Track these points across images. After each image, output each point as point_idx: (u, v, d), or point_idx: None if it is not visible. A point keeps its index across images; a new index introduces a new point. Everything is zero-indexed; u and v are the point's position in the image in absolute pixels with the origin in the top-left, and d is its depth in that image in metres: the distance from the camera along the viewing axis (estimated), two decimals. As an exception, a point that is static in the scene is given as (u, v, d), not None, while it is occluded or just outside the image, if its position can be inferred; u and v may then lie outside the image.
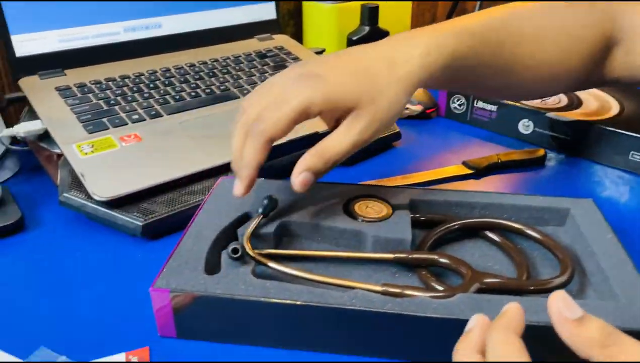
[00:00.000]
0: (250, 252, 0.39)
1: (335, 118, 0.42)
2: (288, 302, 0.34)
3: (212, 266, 0.39)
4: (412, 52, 0.41)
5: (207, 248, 0.40)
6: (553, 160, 0.63)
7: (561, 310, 0.25)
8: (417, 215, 0.45)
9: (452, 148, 0.67)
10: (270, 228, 0.42)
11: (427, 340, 0.34)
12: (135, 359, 0.35)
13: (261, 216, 0.42)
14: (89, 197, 0.48)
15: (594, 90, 0.72)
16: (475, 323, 0.27)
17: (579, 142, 0.63)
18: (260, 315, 0.35)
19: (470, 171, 0.59)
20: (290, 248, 0.44)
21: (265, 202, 0.43)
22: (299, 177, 0.39)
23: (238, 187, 0.41)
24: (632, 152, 0.58)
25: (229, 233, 0.42)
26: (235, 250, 0.38)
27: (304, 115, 0.38)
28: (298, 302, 0.34)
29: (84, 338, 0.37)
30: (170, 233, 0.48)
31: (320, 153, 0.40)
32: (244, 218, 0.44)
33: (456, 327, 0.32)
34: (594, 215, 0.43)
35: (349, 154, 0.40)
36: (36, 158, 0.60)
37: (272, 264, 0.38)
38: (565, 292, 0.26)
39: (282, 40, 0.81)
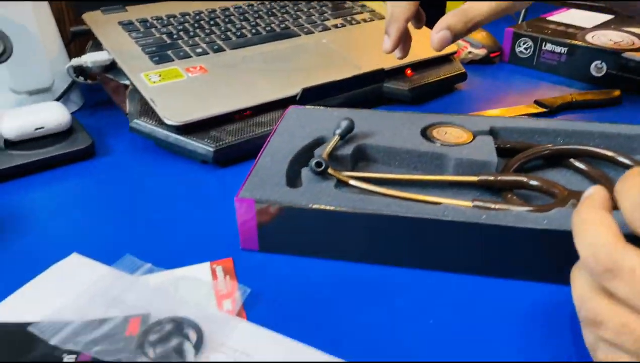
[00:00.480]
0: (331, 170, 0.37)
1: None
2: (377, 212, 0.33)
3: (293, 181, 0.38)
4: None
5: (286, 166, 0.39)
6: (629, 103, 0.60)
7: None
8: (498, 143, 0.43)
9: (520, 90, 0.64)
10: (347, 150, 0.41)
11: (524, 255, 0.33)
12: (219, 269, 0.35)
13: (338, 138, 0.41)
14: (159, 123, 0.48)
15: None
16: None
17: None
18: (347, 227, 0.34)
19: (543, 110, 0.57)
20: (367, 172, 0.43)
21: (343, 123, 0.42)
22: (439, 34, 0.39)
23: (387, 42, 0.42)
24: None
25: (305, 154, 0.41)
26: (318, 164, 0.37)
27: None
28: (388, 213, 0.33)
29: (167, 249, 0.37)
30: (240, 162, 0.48)
31: (463, 11, 0.39)
32: (319, 142, 0.43)
33: (558, 239, 0.31)
34: None
35: (491, 16, 0.39)
36: (99, 94, 0.61)
37: (354, 182, 0.37)
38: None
39: (337, -16, 0.79)
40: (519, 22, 0.82)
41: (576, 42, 0.65)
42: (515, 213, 0.33)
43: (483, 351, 0.29)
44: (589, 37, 0.67)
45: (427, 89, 0.61)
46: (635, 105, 0.59)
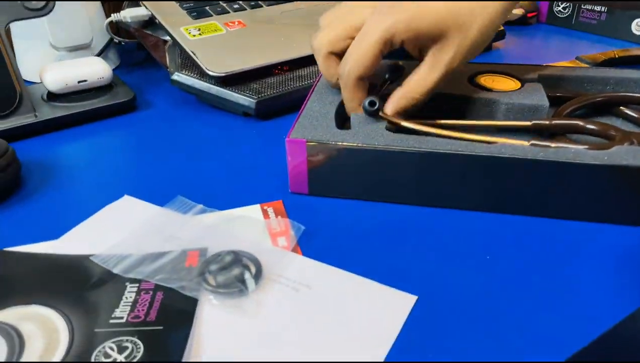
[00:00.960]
0: (382, 113, 0.37)
1: (419, 47, 0.38)
2: (432, 150, 0.33)
3: (342, 124, 0.38)
4: None
5: (334, 109, 0.39)
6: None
7: None
8: (547, 92, 0.43)
9: (561, 48, 0.63)
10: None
11: (585, 193, 0.32)
12: (270, 210, 0.35)
13: (388, 82, 0.41)
14: (201, 76, 0.48)
15: None
16: None
17: None
18: (400, 167, 0.34)
19: (585, 66, 0.55)
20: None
21: (393, 67, 0.41)
22: (390, 119, 0.37)
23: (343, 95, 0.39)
24: None
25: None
26: (372, 103, 0.36)
27: (388, 46, 0.36)
28: (442, 150, 0.33)
29: (216, 193, 0.37)
30: (281, 115, 0.48)
31: (407, 94, 0.37)
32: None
33: (619, 175, 0.30)
34: None
35: (436, 88, 0.37)
36: (135, 54, 0.61)
37: (406, 123, 0.37)
38: None
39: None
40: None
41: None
42: (574, 151, 0.32)
43: (556, 285, 0.29)
44: None
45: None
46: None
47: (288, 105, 0.47)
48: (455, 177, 0.34)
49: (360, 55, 0.36)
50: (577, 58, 0.57)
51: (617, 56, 0.56)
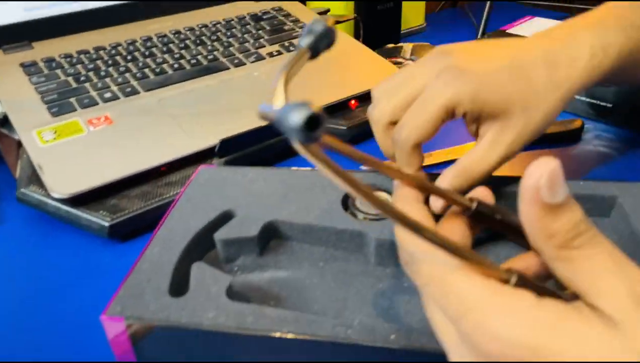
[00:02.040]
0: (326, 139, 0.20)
1: (478, 123, 0.35)
2: (269, 334, 0.28)
3: (179, 283, 0.32)
4: (574, 53, 0.35)
5: (175, 260, 0.33)
6: (592, 132, 0.54)
7: (540, 187, 0.20)
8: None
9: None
10: (253, 230, 0.35)
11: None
12: (87, 399, 0.29)
13: (307, 53, 0.26)
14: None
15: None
16: None
17: (622, 109, 0.54)
18: (234, 349, 0.29)
19: (495, 149, 0.51)
20: (279, 253, 0.37)
21: (315, 28, 0.25)
22: (441, 201, 0.32)
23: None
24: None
25: (204, 239, 0.35)
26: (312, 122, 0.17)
27: (450, 115, 0.33)
28: (281, 335, 0.28)
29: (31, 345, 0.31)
30: (145, 232, 0.42)
31: (464, 173, 0.34)
32: (224, 218, 0.37)
33: None
34: None
35: (495, 170, 0.34)
36: None
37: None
38: (558, 165, 0.20)
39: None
40: (478, 36, 0.76)
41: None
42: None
43: None
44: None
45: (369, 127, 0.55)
46: (599, 136, 0.54)
47: (153, 220, 0.42)
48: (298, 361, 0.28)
49: (422, 121, 0.33)
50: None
51: (529, 135, 0.52)
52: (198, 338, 0.29)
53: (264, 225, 0.36)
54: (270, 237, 0.37)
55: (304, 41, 0.25)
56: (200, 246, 0.35)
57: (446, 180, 0.34)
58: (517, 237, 0.25)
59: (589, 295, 0.20)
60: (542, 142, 0.52)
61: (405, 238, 0.24)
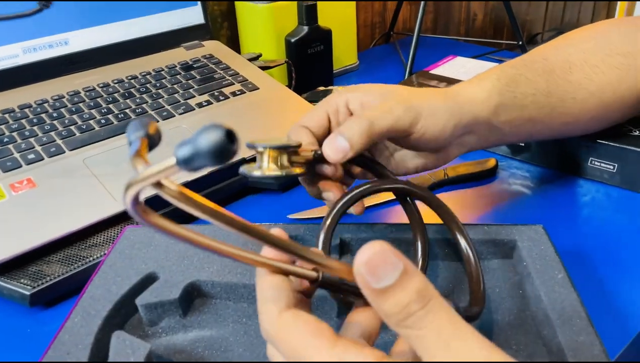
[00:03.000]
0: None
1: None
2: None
3: (98, 355, 0.32)
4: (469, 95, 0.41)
5: (96, 330, 0.33)
6: (507, 170, 0.58)
7: (362, 274, 0.21)
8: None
9: (399, 161, 0.61)
10: (175, 293, 0.36)
11: None
12: None
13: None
14: (-32, 262, 0.41)
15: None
16: None
17: (532, 147, 0.58)
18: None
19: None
20: (203, 312, 0.38)
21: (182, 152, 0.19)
22: (336, 143, 0.35)
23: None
24: (591, 158, 0.53)
25: (127, 304, 0.36)
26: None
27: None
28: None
29: None
30: (69, 297, 0.42)
31: (368, 121, 0.35)
32: (147, 281, 0.37)
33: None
34: (544, 247, 0.38)
35: (390, 130, 0.36)
36: None
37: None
38: (384, 246, 0.21)
39: (212, 47, 0.74)
40: (406, 76, 0.80)
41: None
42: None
43: None
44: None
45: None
46: (512, 174, 0.57)
47: (76, 285, 0.42)
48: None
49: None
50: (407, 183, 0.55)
51: (447, 176, 0.55)
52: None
53: (186, 287, 0.37)
54: (194, 297, 0.38)
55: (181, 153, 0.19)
56: (123, 311, 0.36)
57: (347, 127, 0.35)
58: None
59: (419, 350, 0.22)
60: (459, 181, 0.56)
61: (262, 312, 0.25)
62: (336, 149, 0.34)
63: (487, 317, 0.36)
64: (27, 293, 0.40)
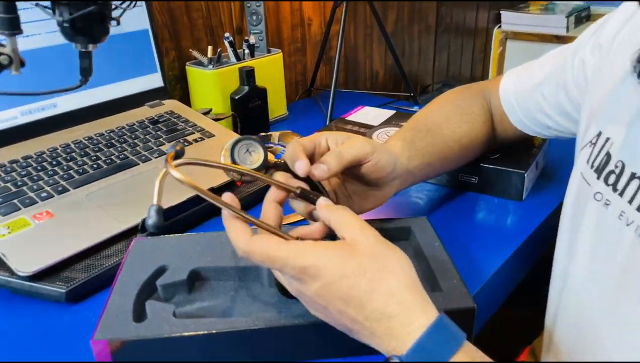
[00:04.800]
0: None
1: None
2: (204, 332, 0.44)
3: (139, 315, 0.47)
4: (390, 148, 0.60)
5: (132, 301, 0.48)
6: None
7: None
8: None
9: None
10: (183, 276, 0.52)
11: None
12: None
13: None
14: (11, 273, 0.54)
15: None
16: None
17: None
18: (184, 349, 0.44)
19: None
20: (202, 290, 0.53)
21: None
22: (318, 169, 0.50)
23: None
24: (460, 174, 0.75)
25: (149, 286, 0.51)
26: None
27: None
28: (213, 331, 0.44)
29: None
30: (93, 294, 0.55)
31: (338, 153, 0.52)
32: (161, 271, 0.52)
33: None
34: (428, 230, 0.58)
35: (355, 161, 0.53)
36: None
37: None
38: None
39: (171, 104, 0.90)
40: (327, 122, 1.00)
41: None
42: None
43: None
44: (374, 136, 0.85)
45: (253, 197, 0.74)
46: (411, 189, 0.78)
47: (99, 284, 0.55)
48: (226, 351, 0.45)
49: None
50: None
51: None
52: (159, 345, 0.44)
53: (189, 273, 0.52)
54: (195, 279, 0.53)
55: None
56: (147, 291, 0.50)
57: (324, 158, 0.51)
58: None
59: (339, 230, 0.42)
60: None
61: (234, 239, 0.43)
62: (321, 170, 0.51)
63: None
64: (63, 291, 0.53)
